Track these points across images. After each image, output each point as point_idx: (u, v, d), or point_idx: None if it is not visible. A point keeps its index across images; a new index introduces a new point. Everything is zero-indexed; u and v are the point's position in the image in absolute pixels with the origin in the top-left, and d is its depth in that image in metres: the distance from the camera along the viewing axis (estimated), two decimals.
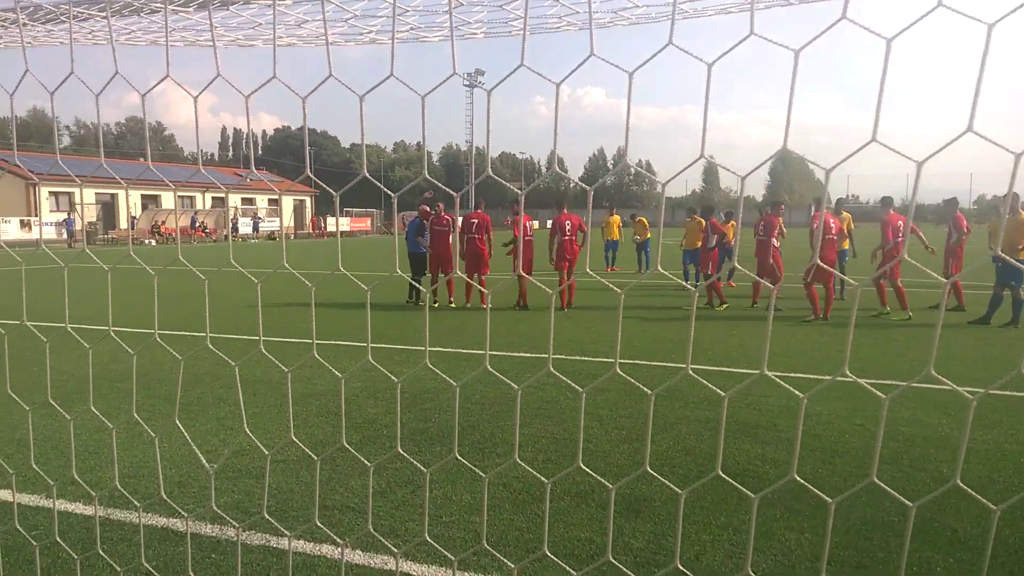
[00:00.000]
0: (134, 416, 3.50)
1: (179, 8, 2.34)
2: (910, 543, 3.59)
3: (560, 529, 3.92)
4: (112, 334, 2.41)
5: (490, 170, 1.68)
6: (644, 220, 21.77)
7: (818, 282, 11.83)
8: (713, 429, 5.68)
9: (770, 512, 4.11)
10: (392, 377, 2.14)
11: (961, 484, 1.46)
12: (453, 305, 13.65)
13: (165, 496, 3.31)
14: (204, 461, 4.90)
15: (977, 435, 5.49)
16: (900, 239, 11.65)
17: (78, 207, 43.94)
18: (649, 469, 1.84)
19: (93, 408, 3.02)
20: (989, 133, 1.30)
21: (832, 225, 12.19)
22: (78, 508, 4.20)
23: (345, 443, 2.36)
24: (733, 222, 17.09)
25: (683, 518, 4.03)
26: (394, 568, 3.44)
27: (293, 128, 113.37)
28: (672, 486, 2.02)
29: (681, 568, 2.69)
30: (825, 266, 1.54)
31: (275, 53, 1.78)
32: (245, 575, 3.42)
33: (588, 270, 1.77)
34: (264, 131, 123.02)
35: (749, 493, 1.72)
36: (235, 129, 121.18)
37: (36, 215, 44.37)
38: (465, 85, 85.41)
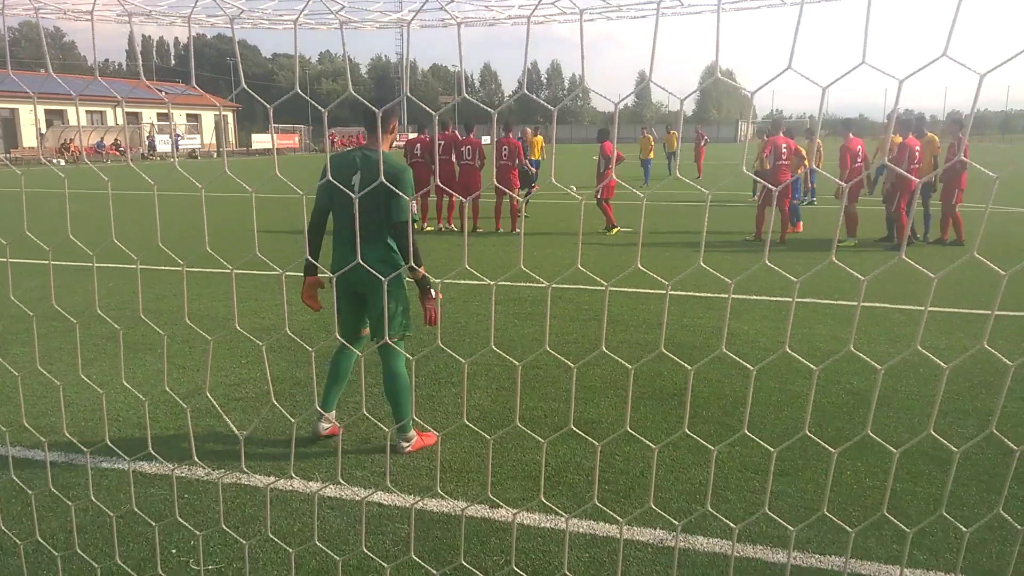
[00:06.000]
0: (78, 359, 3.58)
1: None
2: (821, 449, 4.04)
3: (516, 454, 4.24)
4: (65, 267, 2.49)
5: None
6: (651, 136, 23.27)
7: (768, 205, 11.45)
8: (652, 352, 6.06)
9: (704, 428, 4.53)
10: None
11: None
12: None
13: (109, 442, 3.45)
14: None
15: (884, 348, 6.05)
16: (859, 164, 11.48)
17: None
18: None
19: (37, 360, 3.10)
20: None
21: (784, 149, 11.87)
22: (36, 455, 4.29)
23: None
24: (675, 132, 24.75)
25: (629, 438, 4.42)
26: (370, 499, 3.71)
27: (209, 37, 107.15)
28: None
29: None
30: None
31: None
32: (222, 511, 3.63)
33: (553, 181, 1.95)
34: (176, 38, 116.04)
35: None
36: (144, 36, 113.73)
37: None
38: None
